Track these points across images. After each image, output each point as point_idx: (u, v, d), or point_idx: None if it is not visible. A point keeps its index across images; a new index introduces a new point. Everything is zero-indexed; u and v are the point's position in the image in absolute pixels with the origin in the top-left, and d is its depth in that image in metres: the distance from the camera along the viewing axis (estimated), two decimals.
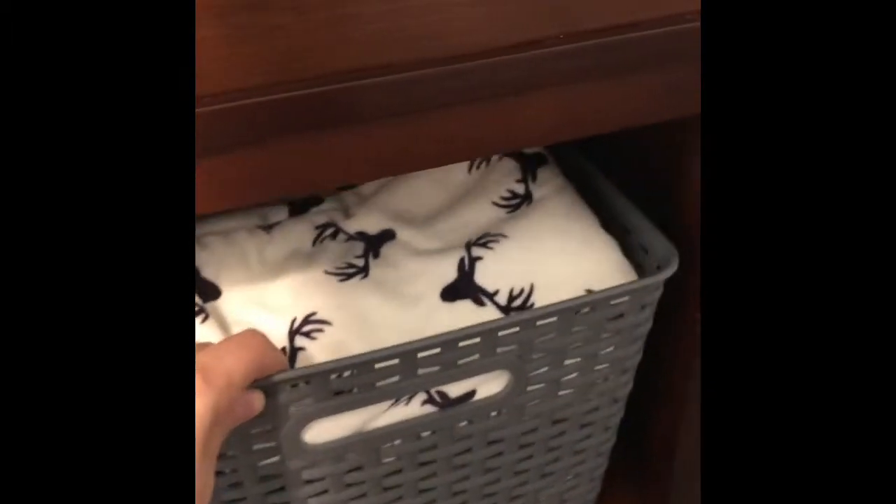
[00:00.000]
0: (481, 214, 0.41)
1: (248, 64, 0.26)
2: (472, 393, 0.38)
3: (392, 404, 0.36)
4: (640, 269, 0.41)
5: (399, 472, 0.39)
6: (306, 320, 0.36)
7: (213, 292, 0.37)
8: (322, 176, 0.29)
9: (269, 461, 0.35)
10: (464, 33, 0.28)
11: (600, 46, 0.30)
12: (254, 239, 0.39)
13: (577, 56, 0.30)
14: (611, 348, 0.39)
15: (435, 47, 0.28)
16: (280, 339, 0.36)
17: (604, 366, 0.40)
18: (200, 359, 0.28)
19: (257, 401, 0.31)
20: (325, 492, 0.38)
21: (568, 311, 0.37)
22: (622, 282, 0.39)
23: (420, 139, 0.30)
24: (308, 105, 0.27)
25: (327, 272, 0.38)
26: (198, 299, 0.36)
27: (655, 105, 0.33)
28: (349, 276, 0.38)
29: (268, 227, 0.40)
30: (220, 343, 0.30)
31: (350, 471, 0.38)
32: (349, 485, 0.38)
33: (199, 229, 0.40)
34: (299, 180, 0.29)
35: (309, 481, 0.37)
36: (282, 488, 0.37)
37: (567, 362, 0.39)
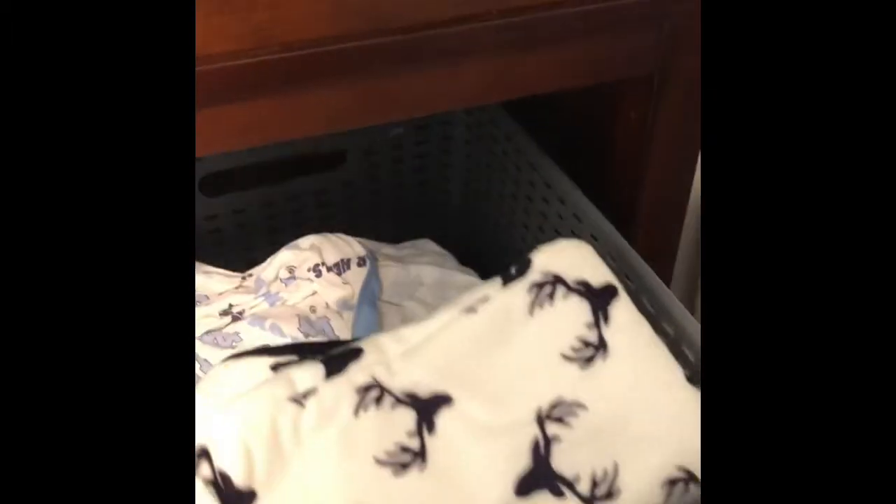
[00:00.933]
0: (550, 372, 0.35)
1: (224, 34, 0.32)
2: None
3: None
4: None
5: None
6: None
7: (247, 497, 0.31)
8: (290, 128, 0.36)
9: None
10: (411, 8, 0.34)
11: (527, 21, 0.37)
12: (287, 420, 0.33)
13: (507, 29, 0.36)
14: None
15: (387, 19, 0.34)
16: None
17: None
18: None
19: None
20: None
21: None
22: None
23: (371, 97, 0.36)
24: (276, 69, 0.34)
25: (378, 461, 0.32)
26: None
27: (577, 71, 0.40)
28: (404, 467, 0.32)
29: (302, 398, 0.34)
30: None
31: None
32: None
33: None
34: (270, 131, 0.36)
35: None
36: None
37: None
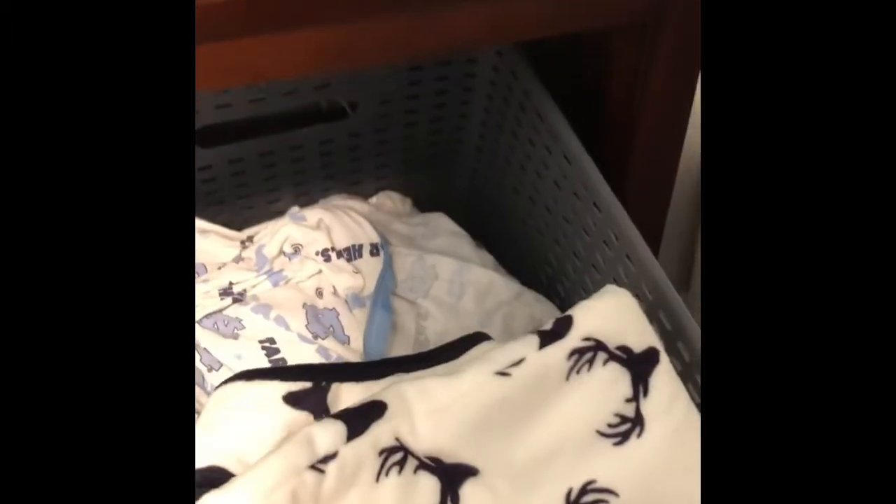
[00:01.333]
0: (582, 450, 0.33)
1: None
2: None
3: None
4: None
5: None
6: None
7: None
8: (279, 67, 0.37)
9: None
10: None
11: None
12: (303, 487, 0.31)
13: None
14: None
15: None
16: None
17: None
18: None
19: None
20: None
21: None
22: None
23: (363, 38, 0.36)
24: (266, 7, 0.33)
25: None
26: None
27: (573, 15, 0.41)
28: None
29: (321, 463, 0.32)
30: None
31: None
32: None
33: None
34: (259, 71, 0.36)
35: None
36: None
37: None
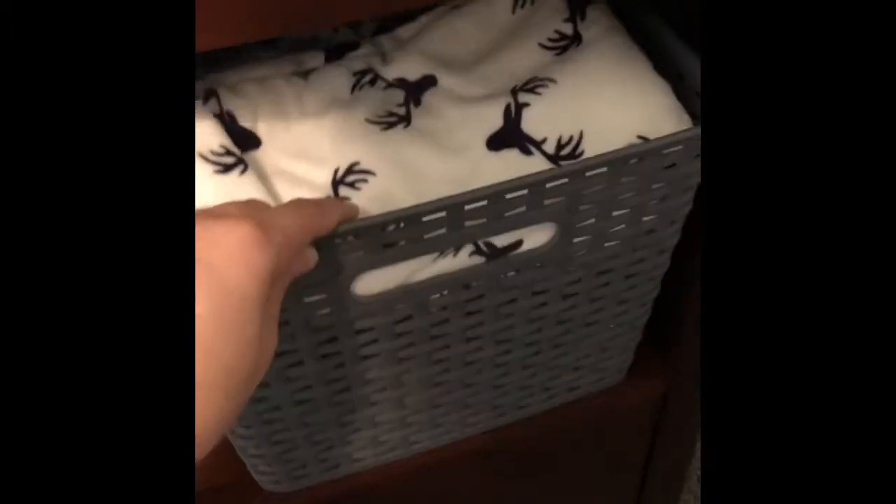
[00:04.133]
0: (527, 58, 0.39)
1: None
2: (518, 243, 0.37)
3: (440, 255, 0.36)
4: (694, 116, 0.39)
5: (446, 321, 0.40)
6: (349, 170, 0.35)
7: (252, 142, 0.36)
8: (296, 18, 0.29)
9: (320, 313, 0.36)
10: None
11: None
12: (291, 86, 0.38)
13: None
14: (661, 199, 0.38)
15: None
16: (323, 189, 0.35)
17: (652, 217, 0.39)
18: (257, 216, 0.28)
19: (311, 257, 0.31)
20: (375, 341, 0.39)
21: (619, 161, 0.35)
22: (676, 129, 0.37)
23: None
24: None
25: (368, 121, 0.37)
26: (236, 149, 0.35)
27: None
28: (391, 125, 0.37)
29: (304, 74, 0.39)
30: (277, 206, 0.29)
31: (399, 321, 0.38)
32: (399, 334, 0.39)
33: (234, 76, 0.38)
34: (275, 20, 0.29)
35: (360, 331, 0.38)
36: (333, 338, 0.37)
37: (615, 213, 0.38)
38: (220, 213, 0.29)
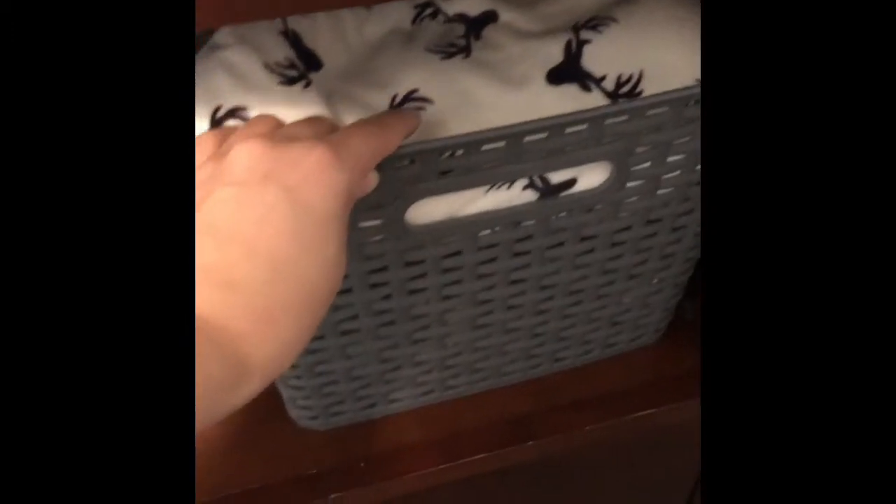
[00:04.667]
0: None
1: None
2: (573, 181, 0.37)
3: (493, 188, 0.36)
4: None
5: (494, 260, 0.40)
6: (408, 97, 0.35)
7: (314, 62, 0.36)
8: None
9: (373, 239, 0.36)
10: None
11: None
12: (354, 14, 0.38)
13: None
14: None
15: None
16: None
17: None
18: (329, 137, 0.28)
19: (373, 179, 0.31)
20: (423, 275, 0.39)
21: (679, 101, 0.35)
22: None
23: None
24: None
25: (428, 50, 0.37)
26: (300, 65, 0.35)
27: None
28: (450, 55, 0.37)
29: (367, 6, 0.38)
30: (344, 128, 0.30)
31: (448, 256, 0.38)
32: (446, 269, 0.39)
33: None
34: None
35: (409, 263, 0.38)
36: (384, 268, 0.37)
37: (670, 159, 0.38)
38: (292, 134, 0.29)
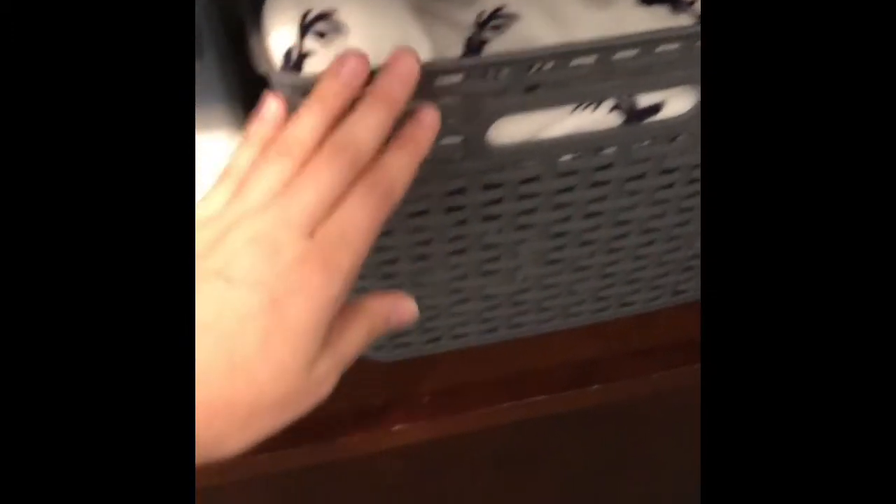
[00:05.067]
0: None
1: None
2: (659, 107, 0.36)
3: (579, 108, 0.35)
4: None
5: (571, 189, 0.39)
6: (494, 14, 0.35)
7: None
8: None
9: (454, 157, 0.35)
10: None
11: None
12: None
13: None
14: None
15: None
16: (468, 29, 0.34)
17: None
18: (328, 237, 0.28)
19: (409, 311, 0.34)
20: (499, 200, 0.38)
21: None
22: None
23: None
24: None
25: None
26: None
27: None
28: None
29: None
30: (348, 206, 0.29)
31: (526, 181, 0.38)
32: (523, 196, 0.38)
33: None
34: None
35: (487, 186, 0.37)
36: (462, 189, 0.37)
37: None
38: (279, 238, 0.27)
